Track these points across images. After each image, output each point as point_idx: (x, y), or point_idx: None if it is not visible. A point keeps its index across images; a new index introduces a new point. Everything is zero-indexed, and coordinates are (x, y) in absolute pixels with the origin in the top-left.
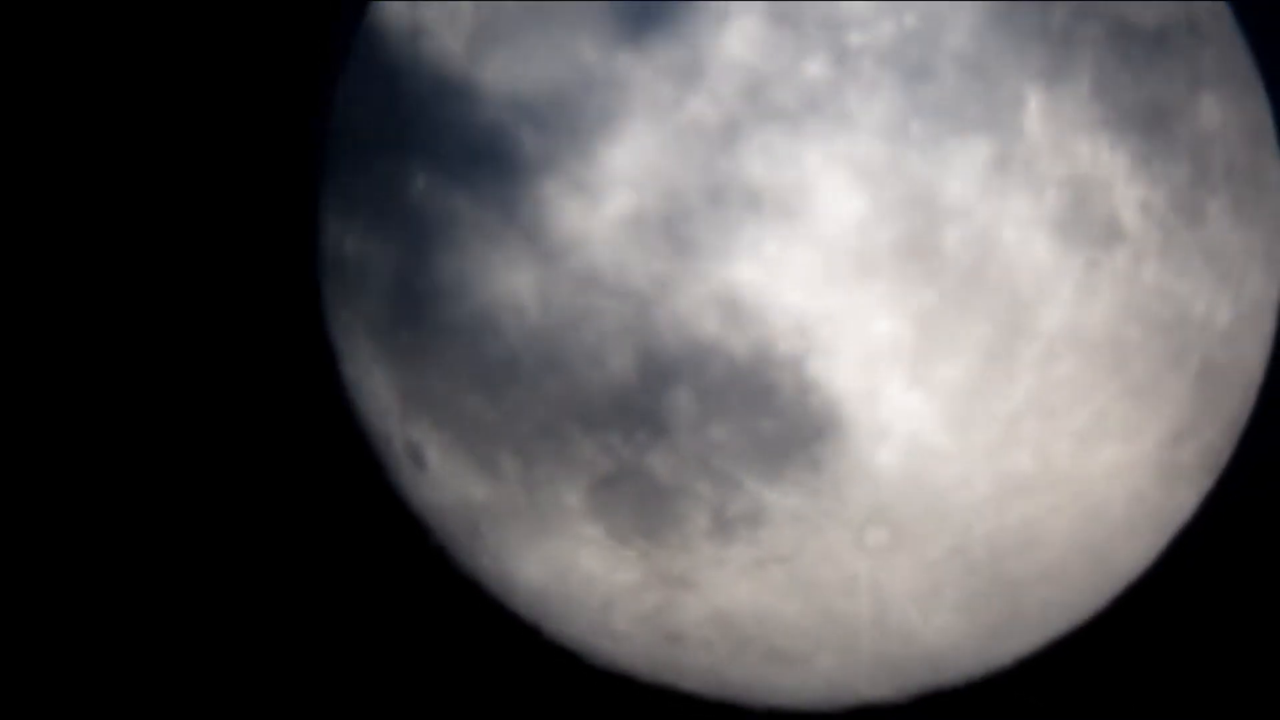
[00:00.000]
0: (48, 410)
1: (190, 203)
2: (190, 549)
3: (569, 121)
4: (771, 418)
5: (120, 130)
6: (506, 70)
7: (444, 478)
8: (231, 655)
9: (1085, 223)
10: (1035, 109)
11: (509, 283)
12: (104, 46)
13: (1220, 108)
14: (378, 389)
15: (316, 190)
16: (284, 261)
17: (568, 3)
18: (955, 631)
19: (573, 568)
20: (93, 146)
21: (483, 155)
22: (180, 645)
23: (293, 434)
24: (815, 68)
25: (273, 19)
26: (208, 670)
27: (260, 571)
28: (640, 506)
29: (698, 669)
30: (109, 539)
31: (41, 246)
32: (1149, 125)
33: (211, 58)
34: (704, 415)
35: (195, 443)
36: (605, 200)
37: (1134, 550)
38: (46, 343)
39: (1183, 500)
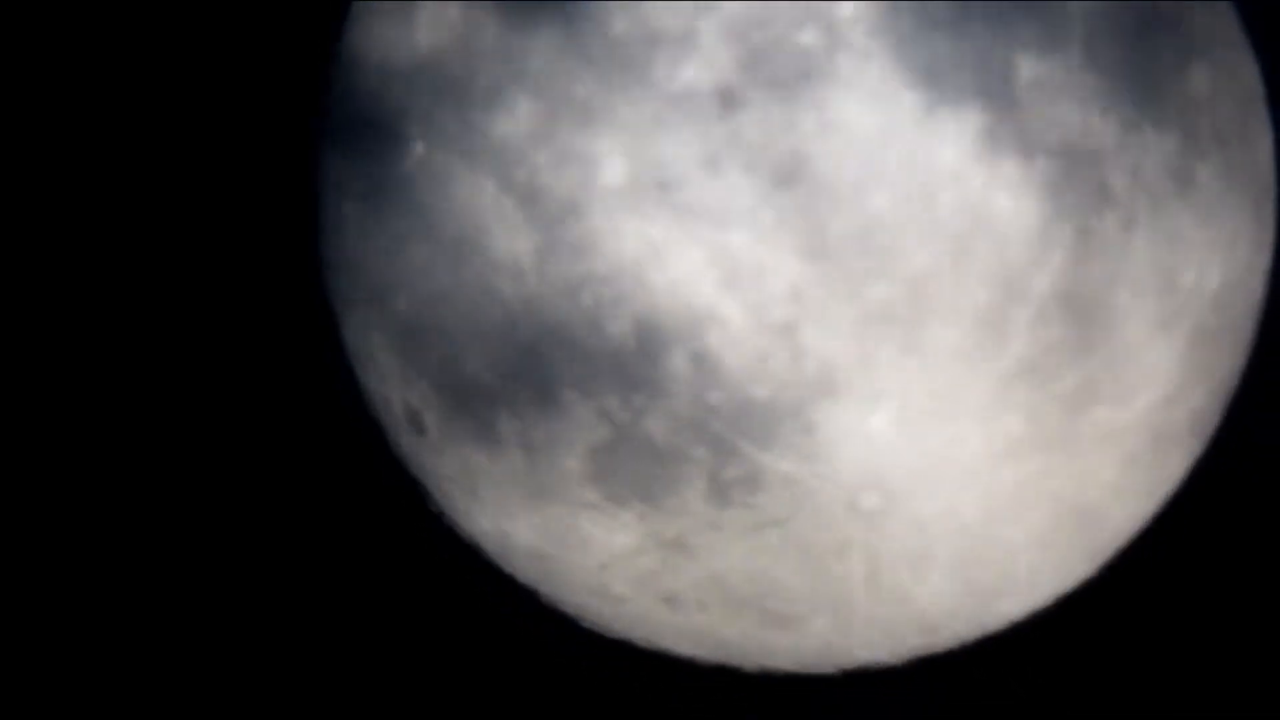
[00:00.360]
0: (45, 367)
1: (186, 170)
2: (189, 517)
3: (564, 89)
4: (766, 383)
5: (112, 101)
6: (501, 38)
7: (443, 442)
8: (230, 618)
9: (1076, 189)
10: (1026, 77)
11: (507, 249)
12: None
13: (1210, 75)
14: (377, 354)
15: (314, 159)
16: (282, 229)
17: None
18: (948, 594)
19: (570, 531)
20: (80, 116)
21: (479, 122)
22: (183, 606)
23: (292, 400)
24: (808, 37)
25: None
26: (208, 630)
27: (259, 535)
28: (637, 470)
29: (694, 631)
30: (107, 507)
31: (29, 208)
32: (1139, 93)
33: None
34: (700, 380)
35: (194, 411)
36: (602, 167)
37: (1125, 514)
38: (40, 301)
39: (1173, 464)
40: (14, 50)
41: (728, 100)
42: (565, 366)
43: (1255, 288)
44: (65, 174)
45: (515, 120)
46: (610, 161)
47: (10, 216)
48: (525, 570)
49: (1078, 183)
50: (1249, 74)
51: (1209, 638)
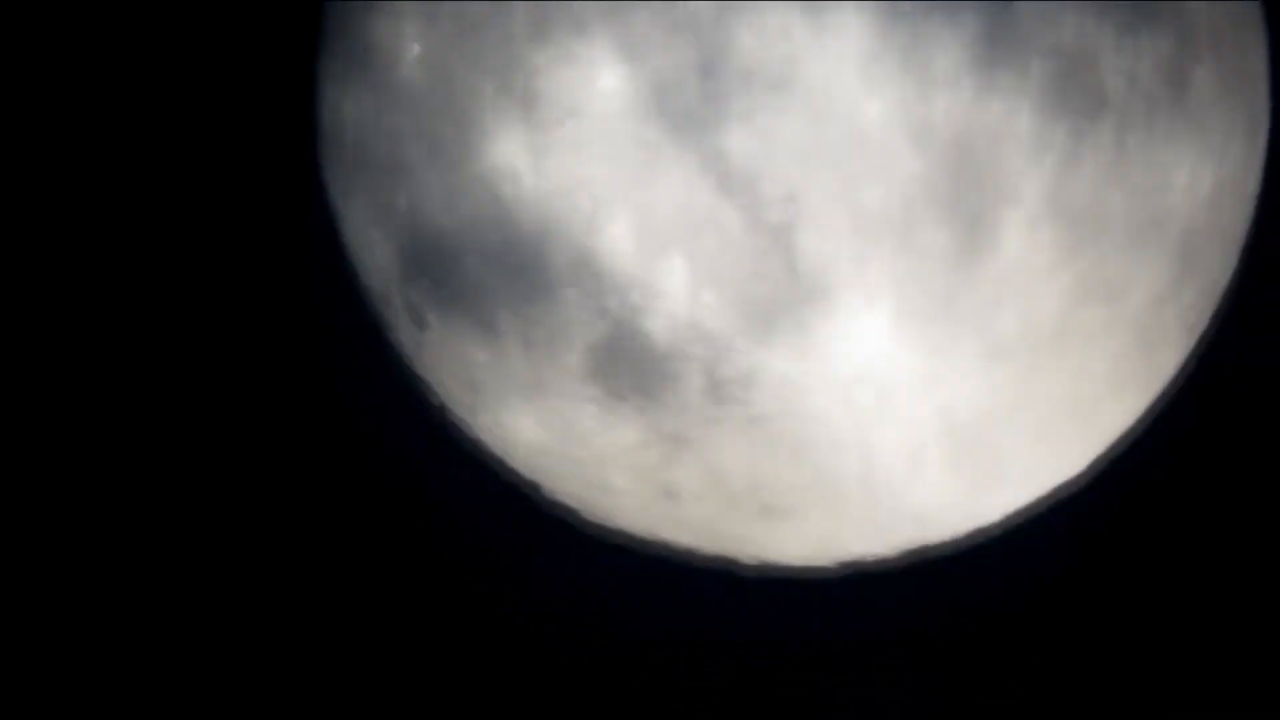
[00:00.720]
0: (36, 348)
1: (191, 78)
2: (200, 408)
3: None
4: (762, 282)
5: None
6: None
7: (444, 338)
8: (240, 518)
9: (1071, 93)
10: None
11: (505, 149)
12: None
13: None
14: (377, 251)
15: (315, 57)
16: (284, 126)
17: None
18: (941, 489)
19: (571, 426)
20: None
21: (477, 23)
22: (195, 506)
23: (294, 298)
24: None
25: None
26: (221, 534)
27: (262, 435)
28: (636, 367)
29: (692, 524)
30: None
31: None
32: None
33: None
34: (697, 280)
35: (198, 313)
36: (599, 71)
37: (1117, 410)
38: (28, 284)
39: (1164, 361)
40: None
41: None
42: (564, 265)
43: (1247, 189)
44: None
45: (513, 22)
46: (607, 66)
47: None
48: (527, 464)
49: (1072, 87)
50: None
51: (1202, 533)
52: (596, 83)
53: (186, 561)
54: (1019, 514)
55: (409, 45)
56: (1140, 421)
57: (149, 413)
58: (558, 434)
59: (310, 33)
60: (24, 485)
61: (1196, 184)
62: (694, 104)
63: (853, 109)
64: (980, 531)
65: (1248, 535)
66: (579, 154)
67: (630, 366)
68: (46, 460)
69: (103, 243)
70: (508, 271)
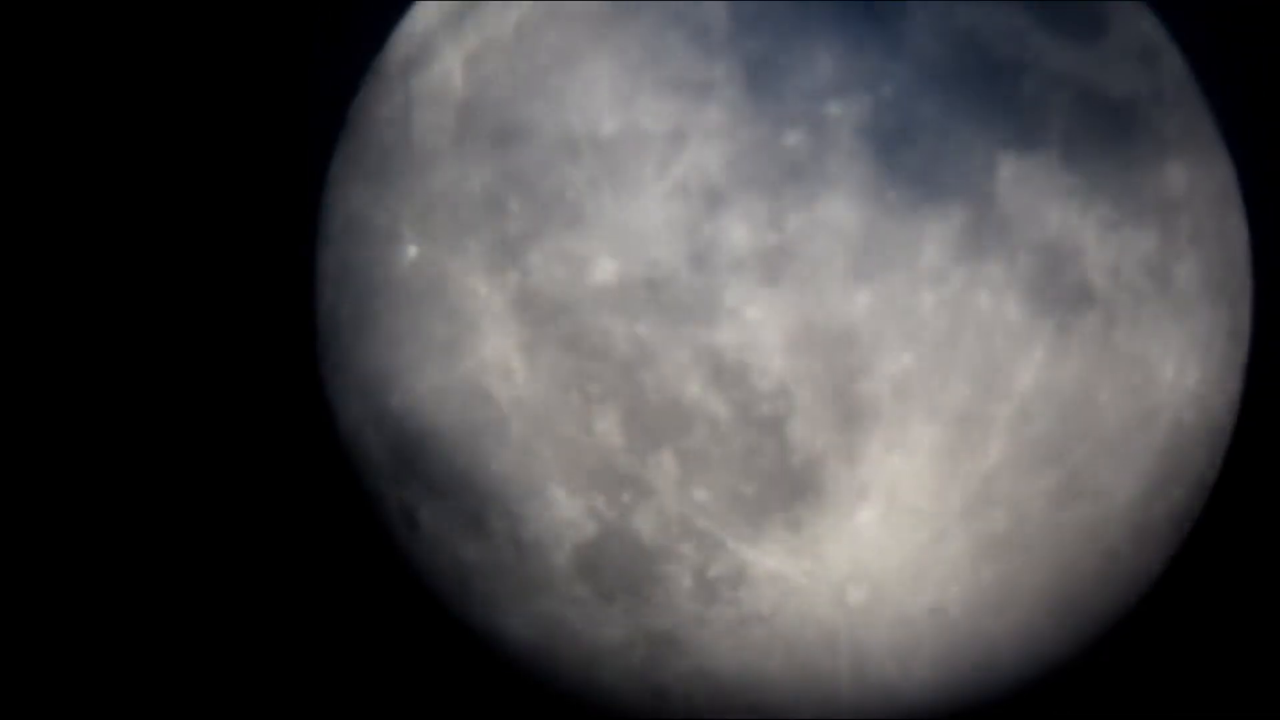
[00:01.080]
0: (33, 437)
1: (192, 264)
2: (186, 599)
3: (555, 190)
4: (753, 479)
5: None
6: (493, 142)
7: (435, 538)
8: (225, 707)
9: (1056, 287)
10: (1006, 176)
11: (498, 347)
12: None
13: (1186, 174)
14: (371, 450)
15: (312, 253)
16: (280, 324)
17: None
18: (932, 686)
19: (560, 625)
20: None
21: (473, 224)
22: (182, 686)
23: (286, 495)
24: (795, 137)
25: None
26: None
27: (251, 625)
28: (626, 566)
29: None
30: (100, 592)
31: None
32: (1117, 192)
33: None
34: (687, 477)
35: (193, 502)
36: (591, 267)
37: (1105, 605)
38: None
39: (1152, 557)
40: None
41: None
42: (553, 463)
43: (1232, 383)
44: (73, 279)
45: (508, 222)
46: (599, 261)
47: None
48: (516, 662)
49: (1058, 280)
50: (1224, 173)
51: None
52: (589, 278)
53: None
54: (1009, 709)
55: (406, 247)
56: (1129, 616)
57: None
58: (547, 633)
59: (308, 236)
60: None
61: (1182, 378)
62: (685, 297)
63: (843, 301)
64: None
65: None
66: (571, 350)
67: (619, 566)
68: None
69: (107, 431)
70: (498, 471)
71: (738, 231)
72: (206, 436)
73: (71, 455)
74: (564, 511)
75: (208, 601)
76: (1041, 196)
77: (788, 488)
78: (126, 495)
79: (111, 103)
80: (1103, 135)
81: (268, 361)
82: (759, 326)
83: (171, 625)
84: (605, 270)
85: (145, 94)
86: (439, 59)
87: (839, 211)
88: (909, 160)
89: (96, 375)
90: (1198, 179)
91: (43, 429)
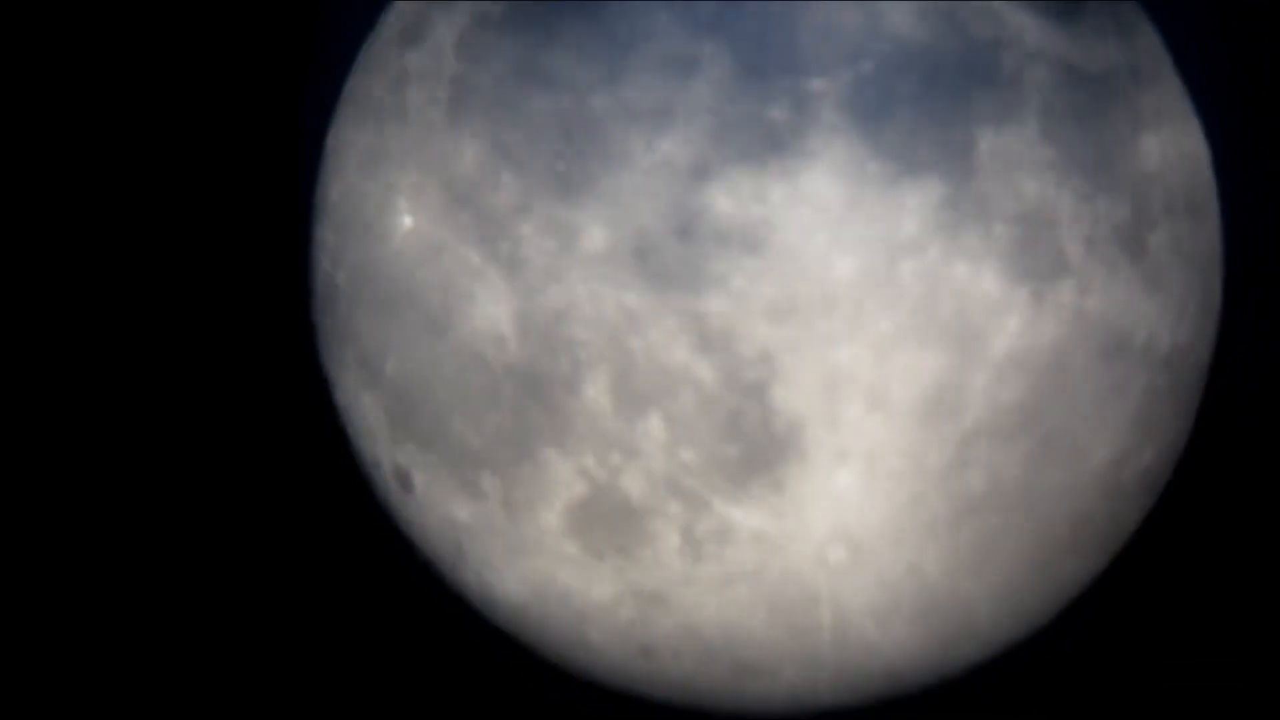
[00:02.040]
0: (27, 435)
1: (188, 237)
2: (184, 565)
3: (546, 163)
4: (737, 442)
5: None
6: (486, 116)
7: (429, 499)
8: (223, 668)
9: (1032, 257)
10: (985, 150)
11: (490, 315)
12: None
13: (1160, 148)
14: (367, 417)
15: (309, 219)
16: (277, 294)
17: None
18: (911, 644)
19: (551, 583)
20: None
21: (467, 196)
22: (175, 654)
23: (288, 461)
24: (778, 112)
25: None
26: (201, 678)
27: (252, 587)
28: (614, 526)
29: (669, 680)
30: (100, 567)
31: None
32: (1093, 165)
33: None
34: (674, 439)
35: (191, 464)
36: (580, 237)
37: (1079, 567)
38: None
39: (1125, 519)
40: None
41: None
42: (545, 426)
43: (1203, 351)
44: (65, 245)
45: (500, 194)
46: (589, 232)
47: None
48: (508, 620)
49: (1034, 251)
50: (1197, 148)
51: (1159, 680)
52: (579, 248)
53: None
54: (985, 667)
55: (401, 218)
56: (1103, 577)
57: (145, 586)
58: (538, 591)
59: (305, 204)
60: None
61: (1155, 345)
62: (672, 266)
63: (824, 270)
64: (948, 684)
65: (1202, 684)
66: (561, 318)
67: (608, 525)
68: None
69: (101, 402)
70: (490, 434)
71: (723, 203)
72: (205, 406)
73: (61, 427)
74: (555, 472)
75: (202, 563)
76: (1019, 170)
77: (771, 450)
78: (124, 461)
79: (106, 71)
80: (1079, 110)
81: (264, 331)
82: (743, 295)
83: (168, 584)
84: (595, 241)
85: (141, 69)
86: (432, 34)
87: (821, 184)
88: (889, 135)
89: (89, 347)
90: (1172, 152)
91: (40, 405)
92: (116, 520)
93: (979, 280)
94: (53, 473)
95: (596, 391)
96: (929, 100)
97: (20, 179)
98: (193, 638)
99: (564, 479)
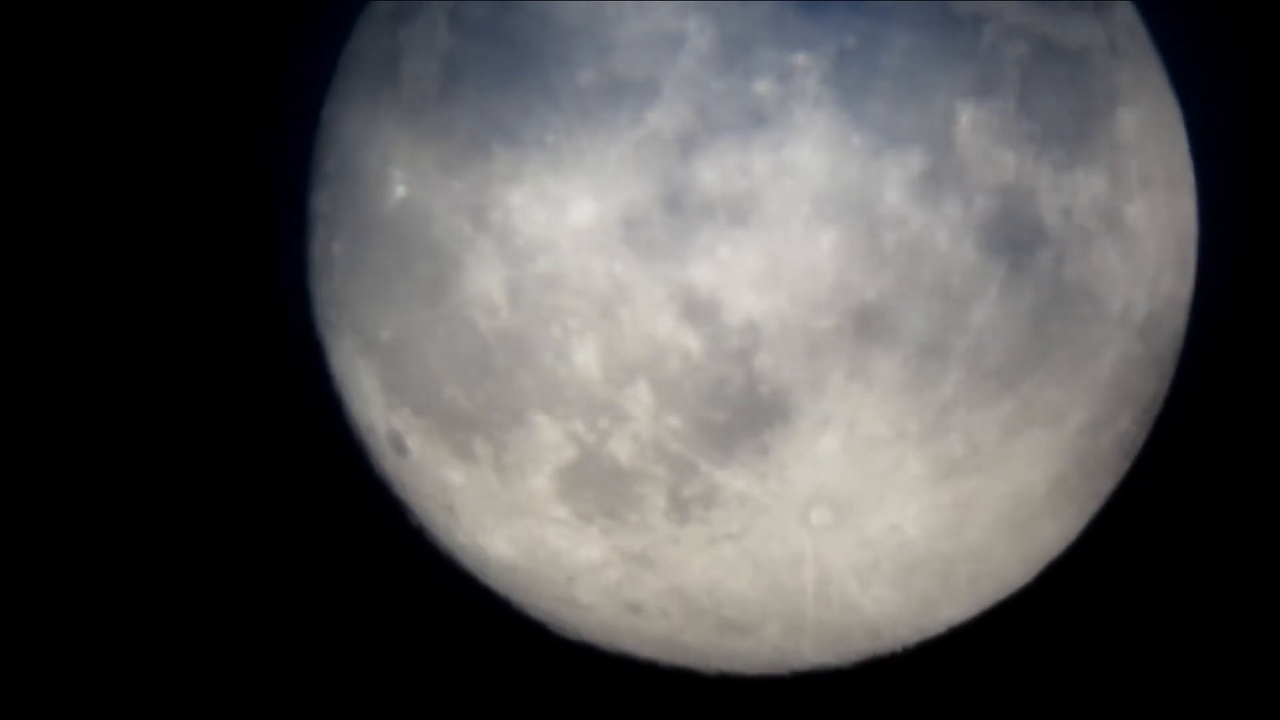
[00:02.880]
0: (25, 398)
1: (188, 202)
2: (186, 533)
3: (535, 135)
4: (723, 407)
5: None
6: (477, 89)
7: (423, 463)
8: (220, 630)
9: (1011, 227)
10: (965, 123)
11: (482, 283)
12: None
13: (1136, 121)
14: (362, 383)
15: (306, 196)
16: (276, 264)
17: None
18: (891, 602)
19: (541, 545)
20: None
21: (458, 166)
22: (174, 618)
23: (284, 425)
24: (763, 86)
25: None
26: (199, 639)
27: (252, 552)
28: (603, 488)
29: (656, 638)
30: (102, 526)
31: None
32: (1071, 138)
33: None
34: (661, 405)
35: (192, 434)
36: (570, 208)
37: (1056, 529)
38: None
39: (1100, 483)
40: None
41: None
42: (535, 392)
43: (1178, 319)
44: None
45: (491, 164)
46: (578, 203)
47: None
48: (500, 581)
49: (1013, 221)
50: (1173, 121)
51: (1131, 643)
52: (568, 219)
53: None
54: (965, 626)
55: (395, 188)
56: (1079, 539)
57: (135, 548)
58: (528, 553)
59: (302, 171)
60: None
61: (1130, 313)
62: (659, 237)
63: (808, 241)
64: (929, 642)
65: (1171, 648)
66: (551, 286)
67: (597, 488)
68: None
69: (102, 381)
70: (482, 399)
71: (709, 176)
72: (203, 377)
73: (62, 414)
74: (545, 437)
75: (203, 526)
76: (998, 142)
77: (756, 415)
78: (126, 438)
79: (106, 60)
80: (1058, 83)
81: (261, 298)
82: (729, 265)
83: (171, 548)
84: (584, 211)
85: (140, 47)
86: (425, 10)
87: (804, 156)
88: (872, 108)
89: (86, 321)
90: (1147, 124)
91: (38, 401)
92: (116, 482)
93: (959, 250)
94: (49, 451)
95: (586, 358)
96: (910, 74)
97: (29, 167)
98: (195, 597)
99: (554, 443)
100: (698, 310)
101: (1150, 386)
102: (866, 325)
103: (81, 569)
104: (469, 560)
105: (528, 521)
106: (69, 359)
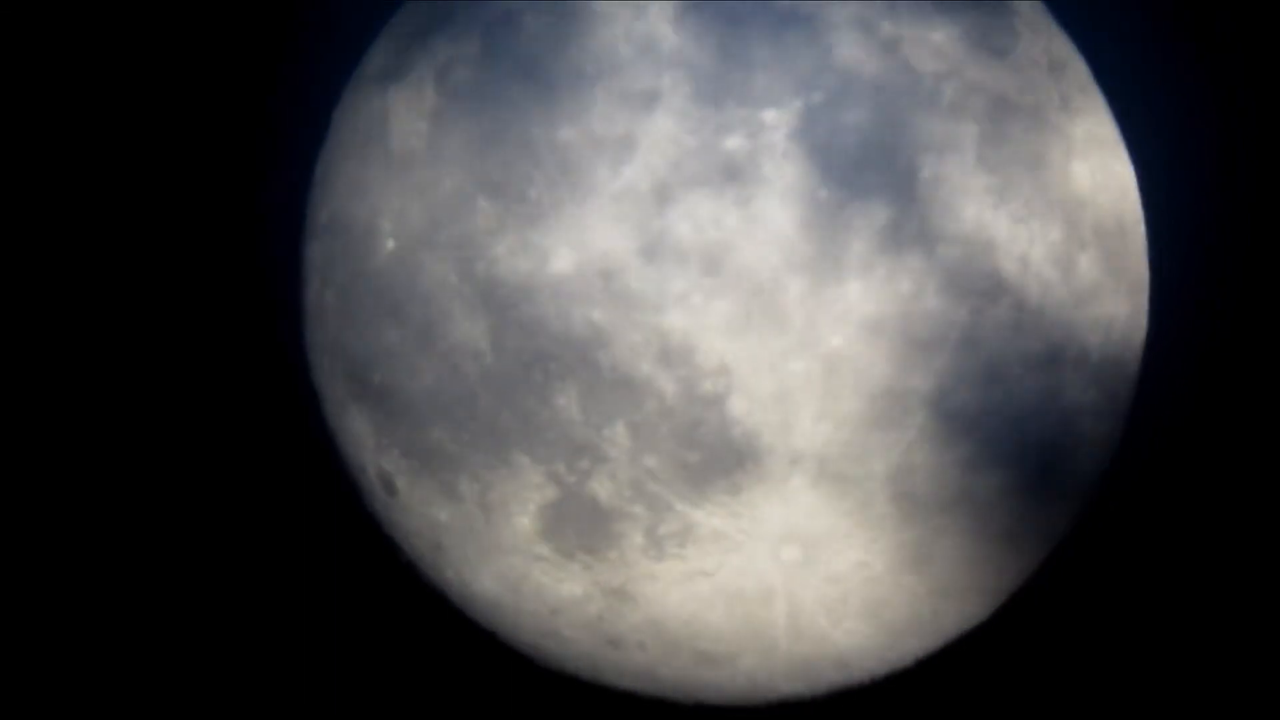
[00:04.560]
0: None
1: (185, 255)
2: (184, 569)
3: (518, 189)
4: (697, 447)
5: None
6: (463, 146)
7: (411, 502)
8: (216, 664)
9: (971, 276)
10: (927, 176)
11: (468, 330)
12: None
13: (1090, 174)
14: (353, 426)
15: (301, 247)
16: (270, 315)
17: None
18: (860, 635)
19: (524, 580)
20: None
21: (445, 219)
22: (168, 649)
23: (280, 467)
24: (734, 141)
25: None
26: (195, 671)
27: (248, 588)
28: (583, 526)
29: (634, 670)
30: (99, 562)
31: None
32: (1027, 190)
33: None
34: (638, 446)
35: (190, 475)
36: (551, 258)
37: (1016, 564)
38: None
39: (1058, 520)
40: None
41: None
42: (518, 434)
43: (1131, 362)
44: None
45: (475, 217)
46: (558, 253)
47: None
48: (485, 615)
49: (973, 270)
50: (1124, 172)
51: (1094, 668)
52: (549, 268)
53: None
54: (930, 657)
55: (385, 240)
56: (1037, 574)
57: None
58: (512, 587)
59: (295, 227)
60: None
61: (1086, 356)
62: (636, 285)
63: (777, 289)
64: (895, 673)
65: (1131, 674)
66: (533, 333)
67: (578, 526)
68: None
69: (97, 423)
70: (468, 441)
71: (683, 227)
72: (201, 418)
73: (58, 435)
74: (528, 477)
75: (196, 563)
76: (958, 194)
77: (729, 456)
78: (121, 479)
79: (105, 107)
80: (1014, 138)
81: (258, 345)
82: (702, 312)
83: (163, 584)
84: (564, 261)
85: (137, 102)
86: (413, 70)
87: (774, 209)
88: (838, 162)
89: (86, 357)
90: (1101, 177)
91: (38, 423)
92: (111, 520)
93: (922, 297)
94: (51, 478)
95: (566, 401)
96: (874, 130)
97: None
98: (184, 633)
99: (536, 483)
100: (672, 355)
101: (1105, 427)
102: (834, 369)
103: (78, 606)
104: (456, 595)
105: (512, 559)
106: (65, 402)
